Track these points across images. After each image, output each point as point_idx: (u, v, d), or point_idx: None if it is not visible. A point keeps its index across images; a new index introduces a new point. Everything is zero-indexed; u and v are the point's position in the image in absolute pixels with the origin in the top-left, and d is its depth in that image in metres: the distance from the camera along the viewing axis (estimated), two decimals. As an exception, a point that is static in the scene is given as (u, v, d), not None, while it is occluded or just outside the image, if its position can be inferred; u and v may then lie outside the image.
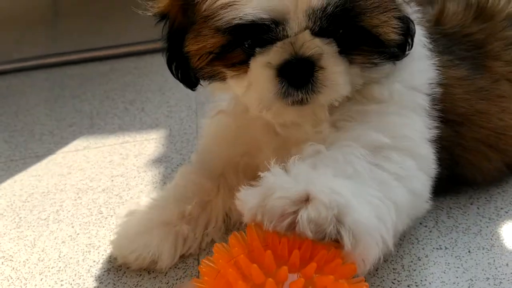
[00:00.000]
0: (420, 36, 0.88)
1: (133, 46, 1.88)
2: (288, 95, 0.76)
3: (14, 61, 1.91)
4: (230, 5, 0.73)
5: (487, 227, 0.89)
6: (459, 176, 0.95)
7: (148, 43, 1.85)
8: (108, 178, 1.18)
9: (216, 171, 0.97)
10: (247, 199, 0.68)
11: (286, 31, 0.74)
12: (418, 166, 0.78)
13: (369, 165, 0.72)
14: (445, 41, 0.96)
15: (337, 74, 0.76)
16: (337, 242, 0.64)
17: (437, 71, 0.88)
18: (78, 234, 1.00)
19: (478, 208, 0.94)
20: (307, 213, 0.63)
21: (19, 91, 1.71)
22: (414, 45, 0.83)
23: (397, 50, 0.81)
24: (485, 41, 0.97)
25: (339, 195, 0.65)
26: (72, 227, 1.03)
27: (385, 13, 0.77)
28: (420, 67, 0.87)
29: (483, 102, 0.92)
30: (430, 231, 0.89)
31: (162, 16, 0.87)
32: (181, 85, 0.90)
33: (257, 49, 0.77)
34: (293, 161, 0.72)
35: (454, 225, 0.90)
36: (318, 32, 0.75)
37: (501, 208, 0.93)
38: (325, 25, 0.74)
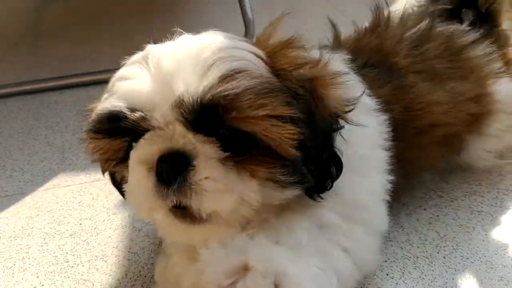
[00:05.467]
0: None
1: (110, 73, 1.86)
2: (162, 193, 0.63)
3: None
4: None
5: (453, 279, 0.89)
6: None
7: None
8: (76, 221, 1.16)
9: None
10: (184, 278, 0.67)
11: (151, 121, 0.65)
12: (368, 231, 0.78)
13: (312, 236, 0.72)
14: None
15: (209, 181, 0.63)
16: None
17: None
18: (43, 285, 0.99)
19: (444, 258, 0.93)
20: (245, 283, 0.63)
21: (-6, 120, 1.69)
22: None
23: (305, 170, 0.67)
24: (381, 45, 0.98)
25: (275, 262, 0.65)
26: (37, 277, 1.01)
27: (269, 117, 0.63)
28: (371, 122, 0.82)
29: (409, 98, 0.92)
30: (397, 283, 0.89)
31: None
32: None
33: (133, 144, 0.68)
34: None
35: (420, 277, 0.90)
36: (193, 127, 0.65)
37: (467, 258, 0.92)
38: (195, 121, 0.64)
